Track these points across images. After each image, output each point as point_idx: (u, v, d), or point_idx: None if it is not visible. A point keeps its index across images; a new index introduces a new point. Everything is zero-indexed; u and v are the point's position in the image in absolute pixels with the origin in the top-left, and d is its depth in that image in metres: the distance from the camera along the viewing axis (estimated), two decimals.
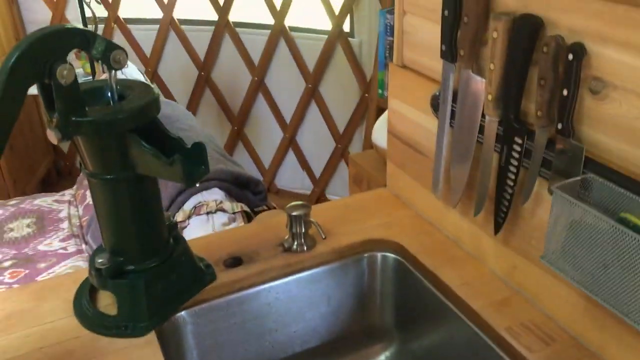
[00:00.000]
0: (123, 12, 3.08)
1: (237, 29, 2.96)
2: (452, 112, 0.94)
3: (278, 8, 2.81)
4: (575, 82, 0.71)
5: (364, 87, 2.75)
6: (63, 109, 0.74)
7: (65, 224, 2.28)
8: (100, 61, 0.77)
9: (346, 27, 2.73)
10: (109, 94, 0.80)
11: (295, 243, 1.04)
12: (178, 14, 3.02)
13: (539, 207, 0.83)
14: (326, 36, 2.77)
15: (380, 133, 1.38)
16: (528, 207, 0.85)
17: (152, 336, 0.86)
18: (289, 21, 2.84)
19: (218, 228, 1.52)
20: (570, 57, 0.70)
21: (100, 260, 0.85)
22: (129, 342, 0.85)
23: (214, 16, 2.96)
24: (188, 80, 3.12)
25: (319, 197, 3.16)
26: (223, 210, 1.60)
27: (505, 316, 0.87)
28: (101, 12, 3.04)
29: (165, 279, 0.89)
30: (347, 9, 2.66)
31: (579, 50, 0.70)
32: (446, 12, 0.88)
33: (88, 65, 2.93)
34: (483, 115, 0.87)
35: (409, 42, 1.05)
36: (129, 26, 3.09)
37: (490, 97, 0.84)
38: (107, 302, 0.93)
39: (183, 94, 3.16)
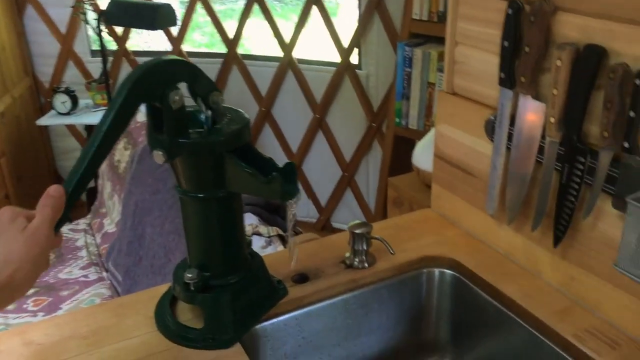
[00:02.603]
0: (132, 45, 3.14)
1: (245, 61, 3.04)
2: (509, 135, 1.02)
3: (287, 41, 2.91)
4: None
5: (371, 118, 2.84)
6: (171, 131, 0.79)
7: (83, 252, 2.30)
8: (199, 98, 0.83)
9: (353, 59, 2.83)
10: (204, 119, 0.86)
11: (357, 260, 1.09)
12: (186, 47, 3.10)
13: (600, 221, 0.90)
14: (334, 68, 2.86)
15: (422, 155, 1.45)
16: (588, 221, 0.92)
17: (238, 347, 0.90)
18: (298, 54, 2.93)
19: (257, 251, 1.56)
20: (638, 82, 0.78)
21: (190, 275, 0.89)
22: (218, 354, 0.89)
23: (222, 49, 3.04)
24: None
25: (324, 225, 3.22)
26: (259, 234, 1.64)
27: (568, 324, 0.93)
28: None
29: (247, 293, 0.94)
30: (355, 42, 2.77)
31: None
32: (506, 43, 0.97)
33: (98, 97, 2.98)
34: (542, 137, 0.95)
35: (460, 71, 1.13)
36: (138, 59, 3.16)
37: (552, 120, 0.91)
38: (187, 317, 0.96)
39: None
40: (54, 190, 0.71)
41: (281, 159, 3.17)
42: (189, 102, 0.82)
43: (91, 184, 3.31)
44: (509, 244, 1.09)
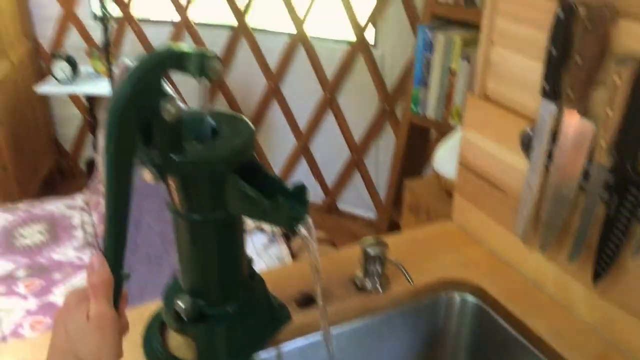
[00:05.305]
0: (137, 12, 2.99)
1: (255, 34, 2.90)
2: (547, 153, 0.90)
3: (301, 16, 2.76)
4: None
5: (384, 99, 2.71)
6: (164, 147, 0.68)
7: (79, 232, 2.21)
8: (198, 75, 0.70)
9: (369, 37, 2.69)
10: (201, 128, 0.74)
11: (370, 282, 0.98)
12: (196, 17, 2.94)
13: None
14: (347, 45, 2.72)
15: (445, 160, 1.33)
16: (638, 259, 0.80)
17: None
18: (311, 30, 2.78)
19: (259, 249, 1.46)
20: None
21: (182, 306, 0.78)
22: None
23: (232, 21, 2.89)
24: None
25: (330, 207, 3.11)
26: (261, 230, 1.54)
27: None
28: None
29: (246, 322, 0.84)
30: (372, 19, 2.61)
31: None
32: (553, 51, 0.84)
33: (99, 64, 2.85)
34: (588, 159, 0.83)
35: (495, 74, 1.00)
36: (142, 26, 3.01)
37: (603, 143, 0.79)
38: (177, 343, 0.86)
39: (195, 95, 3.08)
40: (95, 261, 0.66)
41: (288, 137, 3.06)
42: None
43: (91, 155, 3.20)
44: (539, 272, 0.98)
